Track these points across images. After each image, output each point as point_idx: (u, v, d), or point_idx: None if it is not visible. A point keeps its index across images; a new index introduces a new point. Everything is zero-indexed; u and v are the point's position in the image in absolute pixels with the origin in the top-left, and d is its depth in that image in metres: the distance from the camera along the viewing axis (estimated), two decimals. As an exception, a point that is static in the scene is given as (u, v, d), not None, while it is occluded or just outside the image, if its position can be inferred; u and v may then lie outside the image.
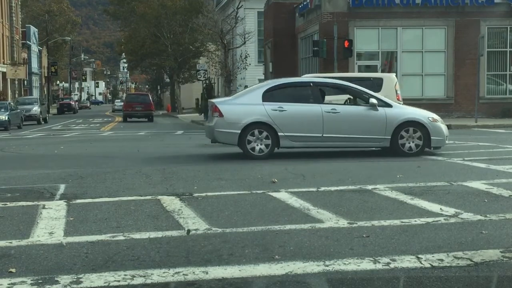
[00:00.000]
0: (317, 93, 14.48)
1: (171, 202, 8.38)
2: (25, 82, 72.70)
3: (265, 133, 13.91)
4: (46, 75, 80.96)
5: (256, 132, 13.93)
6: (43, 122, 42.93)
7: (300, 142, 14.15)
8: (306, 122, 14.03)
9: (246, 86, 42.54)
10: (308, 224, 6.92)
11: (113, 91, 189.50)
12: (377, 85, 18.83)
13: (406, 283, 4.90)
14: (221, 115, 14.06)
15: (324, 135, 14.04)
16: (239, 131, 13.88)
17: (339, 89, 15.69)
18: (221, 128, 14.08)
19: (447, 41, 33.32)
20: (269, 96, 14.19)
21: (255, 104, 14.06)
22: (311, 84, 14.67)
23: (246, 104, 14.17)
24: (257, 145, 13.93)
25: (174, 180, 10.68)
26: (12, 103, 38.63)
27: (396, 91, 18.82)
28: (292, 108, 14.09)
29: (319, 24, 33.89)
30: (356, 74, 23.42)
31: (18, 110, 37.77)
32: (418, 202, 8.17)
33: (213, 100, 14.96)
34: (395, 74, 21.11)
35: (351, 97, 15.34)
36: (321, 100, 14.43)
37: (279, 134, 13.89)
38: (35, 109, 42.46)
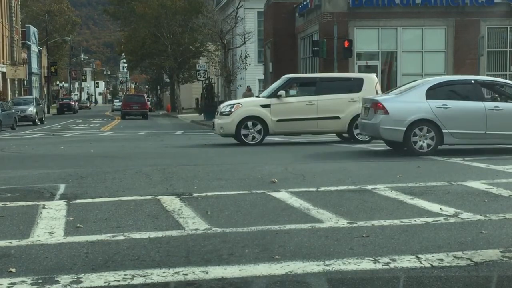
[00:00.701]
0: (479, 90, 14.77)
1: (171, 202, 8.38)
2: (25, 82, 72.72)
3: (429, 130, 14.11)
4: (46, 75, 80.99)
5: (421, 129, 14.13)
6: (39, 123, 41.75)
7: (463, 139, 14.34)
8: (470, 119, 14.18)
9: (248, 86, 42.49)
10: (308, 224, 6.93)
11: (113, 91, 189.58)
12: (357, 85, 18.85)
13: (406, 283, 4.90)
14: (386, 112, 14.20)
15: (487, 132, 14.21)
16: (404, 128, 14.07)
17: (498, 86, 15.96)
18: (387, 125, 14.22)
19: (447, 41, 33.34)
20: (432, 93, 14.38)
21: (419, 101, 14.25)
22: (473, 82, 14.87)
23: (410, 101, 14.35)
24: (422, 142, 14.12)
25: (174, 180, 10.68)
26: (4, 103, 37.20)
27: (376, 91, 18.81)
28: (456, 105, 14.26)
29: (319, 24, 33.90)
30: (336, 74, 23.35)
31: (12, 111, 36.73)
32: (418, 202, 8.18)
33: (376, 98, 15.06)
34: (375, 74, 21.07)
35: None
36: (483, 98, 14.75)
37: (443, 131, 14.07)
38: (31, 109, 40.89)
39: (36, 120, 41.17)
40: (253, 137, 18.40)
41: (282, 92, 18.55)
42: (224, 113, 18.73)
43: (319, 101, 18.56)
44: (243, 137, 18.40)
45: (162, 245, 6.05)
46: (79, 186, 10.04)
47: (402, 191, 9.04)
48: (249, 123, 18.41)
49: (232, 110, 18.56)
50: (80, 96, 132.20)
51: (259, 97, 19.95)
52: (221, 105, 20.17)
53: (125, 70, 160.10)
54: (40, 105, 44.82)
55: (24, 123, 39.76)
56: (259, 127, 18.40)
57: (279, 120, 18.41)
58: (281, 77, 20.18)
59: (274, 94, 18.69)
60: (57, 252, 5.87)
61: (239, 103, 19.17)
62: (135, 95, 72.62)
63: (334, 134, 19.98)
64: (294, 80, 19.82)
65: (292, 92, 19.20)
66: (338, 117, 18.57)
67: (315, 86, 19.21)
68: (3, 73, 61.04)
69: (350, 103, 18.55)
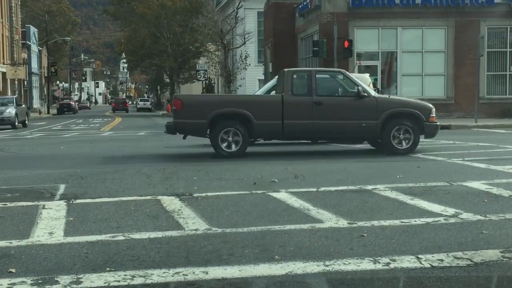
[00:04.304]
0: None
1: (171, 202, 8.38)
2: (25, 82, 72.75)
3: None
4: (46, 75, 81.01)
5: None
6: (21, 126, 36.88)
7: None
8: None
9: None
10: (308, 224, 6.92)
11: (113, 91, 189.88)
12: None
13: (406, 283, 4.90)
14: None
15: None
16: None
17: None
18: None
19: (447, 41, 33.33)
20: None
21: None
22: None
23: None
24: None
25: (174, 180, 10.67)
26: None
27: None
28: None
29: (319, 24, 33.91)
30: None
31: None
32: (418, 202, 8.17)
33: None
34: (369, 74, 21.03)
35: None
36: None
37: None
38: (9, 111, 35.54)
39: (16, 123, 36.04)
40: None
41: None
42: None
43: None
44: None
45: (162, 246, 6.05)
46: (79, 186, 10.04)
47: (402, 191, 9.03)
48: None
49: None
50: (80, 96, 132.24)
51: None
52: None
53: (125, 70, 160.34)
54: (22, 107, 39.59)
55: (1, 127, 35.24)
56: None
57: None
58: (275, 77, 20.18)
59: (267, 94, 18.70)
60: (57, 252, 5.87)
61: None
62: (120, 98, 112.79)
63: None
64: None
65: None
66: None
67: None
68: (3, 73, 61.06)
69: None
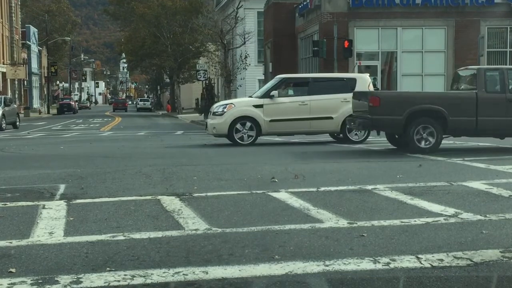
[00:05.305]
0: None
1: (171, 202, 8.37)
2: (25, 82, 72.76)
3: None
4: (46, 75, 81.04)
5: None
6: (11, 128, 34.62)
7: None
8: None
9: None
10: (308, 224, 6.92)
11: (113, 91, 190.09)
12: (350, 85, 18.82)
13: (406, 283, 4.90)
14: None
15: None
16: None
17: None
18: None
19: (447, 41, 33.35)
20: None
21: None
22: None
23: None
24: None
25: (174, 180, 10.67)
26: None
27: None
28: None
29: (319, 24, 33.92)
30: (329, 75, 23.21)
31: None
32: (418, 202, 8.17)
33: None
34: (368, 74, 21.05)
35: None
36: None
37: None
38: None
39: (3, 125, 33.27)
40: (246, 137, 18.41)
41: (275, 93, 18.56)
42: (216, 113, 18.76)
43: (312, 101, 18.58)
44: (235, 137, 18.41)
45: (162, 245, 6.05)
46: (79, 186, 10.04)
47: (402, 191, 9.03)
48: (242, 123, 18.41)
49: (225, 110, 18.57)
50: (80, 96, 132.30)
51: (252, 97, 19.95)
52: (214, 106, 20.21)
53: (125, 70, 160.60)
54: (11, 107, 36.20)
55: None
56: (252, 127, 18.40)
57: (271, 121, 18.42)
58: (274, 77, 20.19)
59: (267, 95, 18.70)
60: (57, 252, 5.87)
61: (231, 103, 19.19)
62: (120, 98, 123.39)
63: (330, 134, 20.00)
64: (287, 80, 19.73)
65: (285, 92, 19.14)
66: (331, 117, 18.58)
67: (308, 86, 19.17)
68: (3, 73, 61.06)
69: (343, 103, 18.52)
